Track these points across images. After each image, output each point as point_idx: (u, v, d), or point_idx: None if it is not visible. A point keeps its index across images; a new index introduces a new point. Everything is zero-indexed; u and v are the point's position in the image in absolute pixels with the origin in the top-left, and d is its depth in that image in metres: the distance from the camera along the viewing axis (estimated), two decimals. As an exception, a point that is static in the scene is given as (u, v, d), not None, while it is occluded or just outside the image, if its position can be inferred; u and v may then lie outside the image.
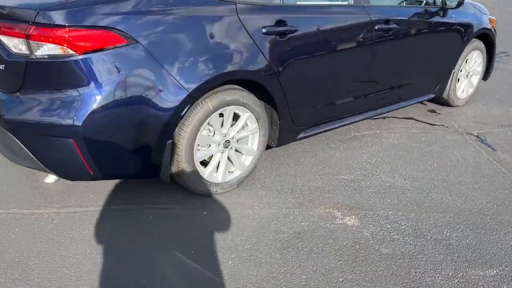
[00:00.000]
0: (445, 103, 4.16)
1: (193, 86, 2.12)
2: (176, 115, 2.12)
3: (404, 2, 3.40)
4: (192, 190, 2.44)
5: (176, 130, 2.19)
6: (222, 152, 2.49)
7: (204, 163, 2.48)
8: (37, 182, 2.58)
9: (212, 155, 2.46)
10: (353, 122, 3.26)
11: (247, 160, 2.61)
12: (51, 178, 2.21)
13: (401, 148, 3.31)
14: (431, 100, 4.11)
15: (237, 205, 2.47)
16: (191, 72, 2.12)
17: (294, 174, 2.83)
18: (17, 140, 2.02)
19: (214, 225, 2.30)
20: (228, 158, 2.54)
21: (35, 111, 1.96)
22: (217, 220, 2.33)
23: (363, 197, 2.60)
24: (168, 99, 2.07)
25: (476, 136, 3.59)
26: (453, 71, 3.90)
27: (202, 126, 2.28)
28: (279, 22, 2.43)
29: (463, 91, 4.19)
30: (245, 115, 2.48)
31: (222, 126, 2.42)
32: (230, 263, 2.02)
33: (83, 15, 1.90)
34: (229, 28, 2.24)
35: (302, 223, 2.33)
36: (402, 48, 3.26)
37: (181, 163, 2.27)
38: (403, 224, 2.36)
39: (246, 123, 2.53)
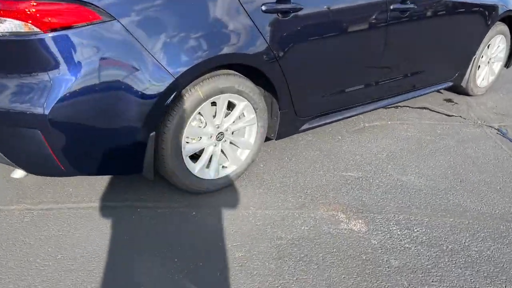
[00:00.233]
0: (463, 91, 3.85)
1: (179, 71, 1.85)
2: (159, 104, 1.86)
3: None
4: (180, 187, 2.19)
5: (160, 120, 1.93)
6: (215, 145, 2.22)
7: (196, 157, 2.22)
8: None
9: (204, 148, 2.20)
10: (363, 113, 2.97)
11: (243, 154, 2.35)
12: (18, 173, 1.98)
13: (415, 141, 3.02)
14: (448, 89, 3.80)
15: (230, 205, 2.22)
16: (178, 55, 1.85)
17: (296, 170, 2.56)
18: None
19: (203, 227, 2.05)
20: (223, 152, 2.28)
21: (-3, 98, 1.70)
22: (207, 222, 2.09)
23: (372, 198, 2.33)
24: (150, 86, 1.81)
25: (497, 129, 3.29)
26: (474, 57, 3.57)
27: (192, 117, 2.01)
28: (282, -1, 2.13)
29: (483, 79, 3.87)
30: (241, 104, 2.21)
31: (215, 116, 2.16)
32: (218, 274, 1.78)
33: (50, -13, 1.62)
34: (223, 4, 1.95)
35: (302, 228, 2.07)
36: (420, 31, 2.94)
37: (166, 157, 2.02)
38: (415, 230, 2.10)
39: (243, 113, 2.26)
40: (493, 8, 3.44)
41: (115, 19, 1.71)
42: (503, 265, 1.91)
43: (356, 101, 2.87)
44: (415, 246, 1.99)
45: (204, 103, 2.03)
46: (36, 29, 1.62)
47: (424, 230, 2.11)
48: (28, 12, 1.61)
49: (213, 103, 2.13)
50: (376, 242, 2.01)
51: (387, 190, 2.42)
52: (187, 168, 2.12)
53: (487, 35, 3.53)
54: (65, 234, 1.96)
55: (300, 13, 2.19)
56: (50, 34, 1.63)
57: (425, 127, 3.26)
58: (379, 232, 2.07)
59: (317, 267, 1.84)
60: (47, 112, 1.67)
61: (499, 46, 3.82)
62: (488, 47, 3.70)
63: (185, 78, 1.88)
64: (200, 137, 2.16)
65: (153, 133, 1.91)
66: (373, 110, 3.04)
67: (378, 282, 1.78)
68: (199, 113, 2.07)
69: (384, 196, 2.36)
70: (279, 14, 2.13)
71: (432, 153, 2.87)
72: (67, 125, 1.73)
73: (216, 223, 2.08)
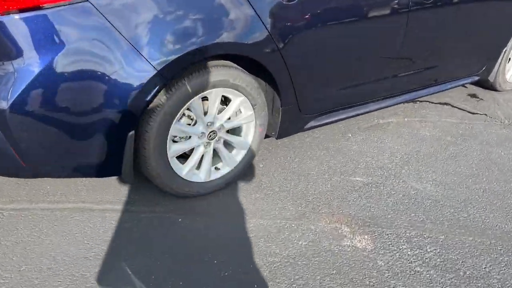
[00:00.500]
0: (490, 86, 3.52)
1: (163, 61, 1.60)
2: (139, 99, 1.62)
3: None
4: (166, 191, 1.97)
5: (141, 118, 1.69)
6: (207, 145, 1.98)
7: (187, 157, 1.99)
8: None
9: (193, 148, 1.96)
10: (377, 109, 2.68)
11: (239, 155, 2.11)
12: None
13: (433, 142, 2.73)
14: (473, 83, 3.46)
15: (222, 212, 1.99)
16: (161, 44, 1.60)
17: (298, 172, 2.31)
18: None
19: (189, 237, 1.83)
20: (216, 152, 2.05)
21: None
22: (194, 231, 1.87)
23: (381, 209, 2.08)
24: (128, 78, 1.57)
25: (526, 130, 2.98)
26: (504, 50, 3.23)
27: (178, 114, 1.78)
28: (287, -20, 1.86)
29: (513, 74, 3.53)
30: (237, 100, 1.95)
31: (207, 113, 1.91)
32: (199, 296, 1.57)
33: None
34: (216, -14, 1.69)
35: (300, 243, 1.83)
36: (444, 19, 2.61)
37: (149, 158, 1.79)
38: (429, 250, 1.85)
39: (239, 110, 2.01)
40: (528, -5, 3.07)
41: (87, 0, 1.47)
42: (530, 298, 1.66)
43: (370, 96, 2.58)
44: (427, 271, 1.74)
45: (193, 99, 1.79)
46: (-8, 11, 1.39)
47: (438, 250, 1.85)
48: (-18, -10, 1.37)
49: (206, 98, 1.88)
50: (383, 264, 1.76)
51: (399, 200, 2.16)
52: (173, 170, 1.89)
53: (520, 25, 3.18)
54: (34, 241, 1.76)
55: (307, -4, 1.91)
56: (8, 17, 1.39)
57: (446, 125, 2.97)
58: (387, 251, 1.82)
59: (313, 293, 1.61)
60: (5, 106, 1.45)
61: (533, 37, 3.46)
62: (520, 38, 3.34)
63: (170, 70, 1.64)
64: (190, 136, 1.93)
65: (132, 132, 1.67)
66: (389, 106, 2.76)
67: (382, 315, 1.54)
68: (188, 109, 1.83)
69: (396, 207, 2.10)
70: (283, -2, 1.85)
71: (452, 157, 2.58)
72: (31, 121, 1.51)
73: (204, 232, 1.86)
